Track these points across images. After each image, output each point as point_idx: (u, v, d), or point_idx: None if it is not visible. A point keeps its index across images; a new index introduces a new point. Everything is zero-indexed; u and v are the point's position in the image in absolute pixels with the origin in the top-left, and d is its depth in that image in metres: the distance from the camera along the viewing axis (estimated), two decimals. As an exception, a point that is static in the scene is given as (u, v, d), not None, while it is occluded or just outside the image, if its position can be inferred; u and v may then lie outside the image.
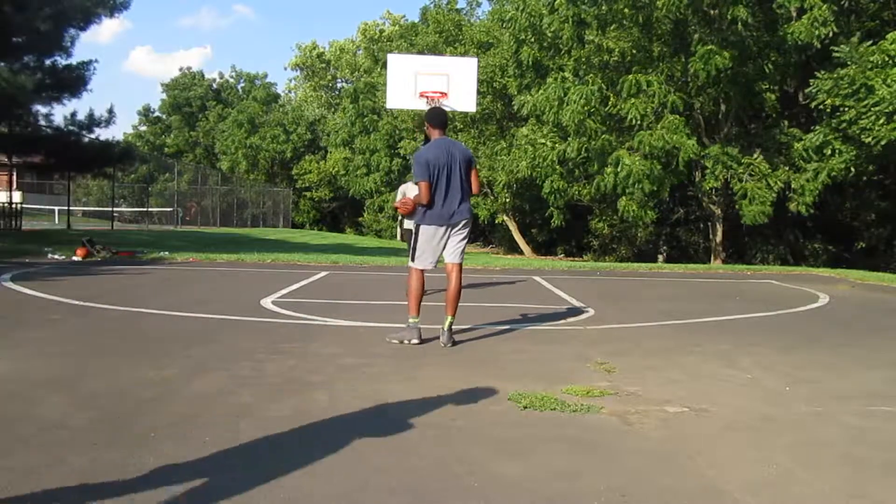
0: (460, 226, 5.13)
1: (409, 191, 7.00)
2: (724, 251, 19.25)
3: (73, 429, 3.02)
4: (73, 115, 18.09)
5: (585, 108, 16.34)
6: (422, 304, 5.17)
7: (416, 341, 5.01)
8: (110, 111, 19.06)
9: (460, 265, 5.23)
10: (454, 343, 5.08)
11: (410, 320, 5.10)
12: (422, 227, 5.13)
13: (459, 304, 5.19)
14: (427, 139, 5.32)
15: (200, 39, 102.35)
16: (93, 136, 18.25)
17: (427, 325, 5.19)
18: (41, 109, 17.74)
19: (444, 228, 5.09)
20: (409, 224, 7.36)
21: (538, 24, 17.73)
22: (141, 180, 40.85)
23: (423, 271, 5.14)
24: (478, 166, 25.75)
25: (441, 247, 5.14)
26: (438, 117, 5.28)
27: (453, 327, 5.14)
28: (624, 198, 16.83)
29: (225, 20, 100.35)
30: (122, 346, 4.86)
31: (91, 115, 18.16)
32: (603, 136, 16.74)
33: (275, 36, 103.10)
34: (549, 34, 17.84)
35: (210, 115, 52.34)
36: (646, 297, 8.85)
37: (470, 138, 28.32)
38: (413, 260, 5.17)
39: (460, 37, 29.49)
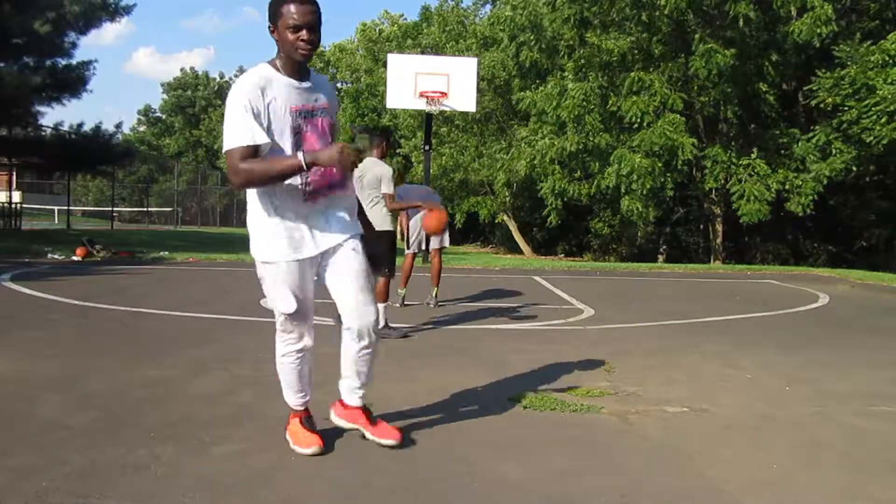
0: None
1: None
2: (724, 251, 19.22)
3: (73, 429, 3.02)
4: (80, 125, 18.23)
5: (584, 104, 16.32)
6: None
7: None
8: (118, 126, 19.33)
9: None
10: None
11: None
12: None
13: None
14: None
15: (203, 41, 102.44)
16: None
17: (428, 326, 5.19)
18: (41, 109, 17.81)
19: None
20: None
21: (538, 23, 17.66)
22: (141, 180, 40.82)
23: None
24: (477, 165, 25.53)
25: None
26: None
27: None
28: (626, 196, 16.77)
29: (228, 22, 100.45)
30: (122, 346, 4.85)
31: (97, 128, 18.23)
32: (602, 134, 16.72)
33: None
34: (549, 34, 17.78)
35: (213, 115, 52.26)
36: (646, 297, 8.84)
37: (471, 137, 28.30)
38: None
39: (464, 33, 29.45)
